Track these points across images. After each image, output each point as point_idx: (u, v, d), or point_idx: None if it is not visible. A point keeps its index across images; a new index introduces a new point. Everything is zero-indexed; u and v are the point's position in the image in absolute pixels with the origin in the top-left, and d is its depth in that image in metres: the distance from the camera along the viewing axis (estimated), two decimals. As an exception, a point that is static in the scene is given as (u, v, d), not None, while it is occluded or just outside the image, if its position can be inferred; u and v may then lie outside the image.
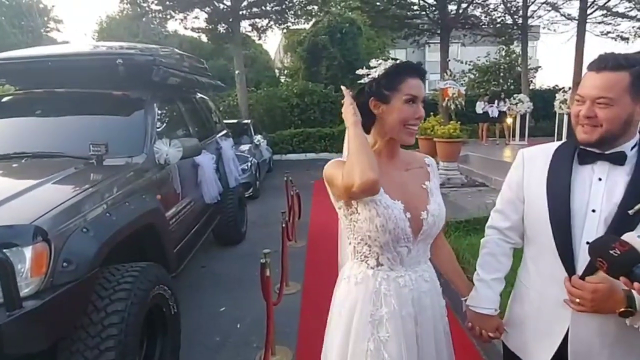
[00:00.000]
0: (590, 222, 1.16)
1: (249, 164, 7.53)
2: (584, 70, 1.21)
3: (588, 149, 1.19)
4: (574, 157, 1.22)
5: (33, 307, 1.71)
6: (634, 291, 1.03)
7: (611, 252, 0.96)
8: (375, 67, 1.24)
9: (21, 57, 3.42)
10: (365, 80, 1.25)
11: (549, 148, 1.30)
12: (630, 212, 1.10)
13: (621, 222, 1.10)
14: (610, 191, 1.15)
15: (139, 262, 2.34)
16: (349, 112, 1.22)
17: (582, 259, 1.14)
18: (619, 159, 1.16)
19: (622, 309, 1.06)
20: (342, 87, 1.29)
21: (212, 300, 3.62)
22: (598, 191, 1.16)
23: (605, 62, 1.11)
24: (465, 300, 1.39)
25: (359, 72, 1.27)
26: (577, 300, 1.11)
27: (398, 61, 1.24)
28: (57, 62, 3.27)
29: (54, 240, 1.84)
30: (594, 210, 1.16)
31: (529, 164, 1.31)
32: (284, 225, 3.69)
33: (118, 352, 1.90)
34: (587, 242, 1.13)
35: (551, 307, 1.23)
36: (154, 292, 2.25)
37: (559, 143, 1.31)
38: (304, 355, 2.71)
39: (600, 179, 1.17)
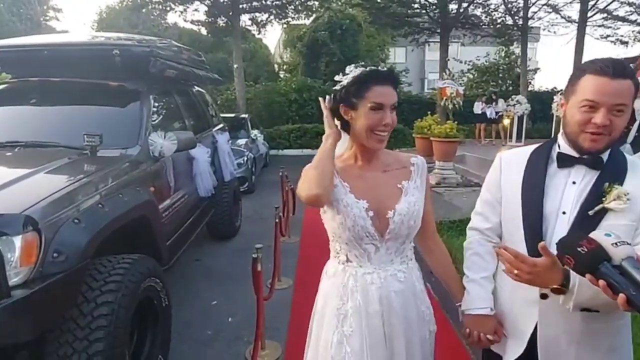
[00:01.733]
0: (560, 224, 1.18)
1: (245, 158, 7.51)
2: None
3: (568, 153, 1.21)
4: (549, 160, 1.24)
5: (21, 296, 1.70)
6: (572, 272, 1.04)
7: (579, 249, 0.97)
8: (348, 73, 1.27)
9: (17, 46, 3.40)
10: (337, 87, 1.28)
11: (525, 151, 1.32)
12: (590, 212, 1.13)
13: (582, 222, 1.13)
14: (581, 194, 1.17)
15: (131, 254, 2.33)
16: (325, 123, 1.30)
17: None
18: (596, 163, 1.18)
19: (555, 286, 1.08)
20: (320, 99, 1.35)
21: (204, 293, 3.62)
22: (570, 194, 1.19)
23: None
24: (460, 306, 1.37)
25: (336, 78, 1.30)
26: (515, 271, 1.11)
27: (368, 69, 1.26)
28: (53, 52, 3.25)
29: (44, 230, 1.83)
30: (564, 213, 1.18)
31: (507, 167, 1.33)
32: (277, 220, 3.69)
33: (107, 344, 1.90)
34: (557, 244, 1.14)
35: (520, 306, 1.26)
36: (145, 284, 2.25)
37: (535, 146, 1.32)
38: (293, 350, 2.72)
39: (574, 182, 1.19)
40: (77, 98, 3.26)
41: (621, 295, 0.90)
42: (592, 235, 0.99)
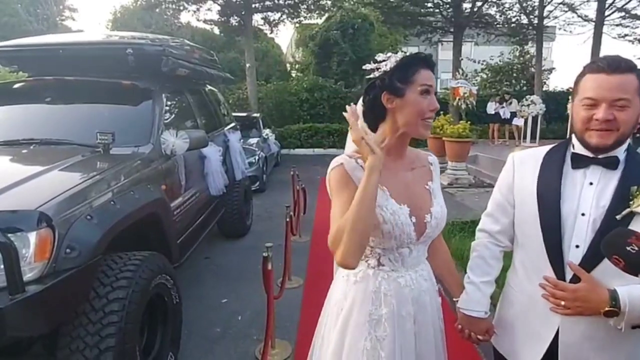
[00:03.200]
0: (580, 226, 1.15)
1: (257, 157, 7.54)
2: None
3: (581, 153, 1.19)
4: (564, 161, 1.22)
5: (35, 291, 1.73)
6: (619, 290, 1.02)
7: (628, 248, 0.92)
8: (384, 60, 1.20)
9: (33, 45, 3.46)
10: (375, 74, 1.20)
11: (539, 152, 1.30)
12: (618, 217, 1.10)
13: (609, 226, 1.10)
14: (600, 195, 1.15)
15: (142, 251, 2.36)
16: (364, 140, 1.09)
17: (572, 261, 1.14)
18: (612, 164, 1.16)
19: (607, 309, 1.06)
20: (347, 107, 1.19)
21: (214, 291, 3.63)
22: (588, 195, 1.16)
23: (618, 64, 1.09)
24: (457, 302, 1.39)
25: (367, 66, 1.23)
26: (562, 303, 1.11)
27: (407, 53, 1.20)
28: (68, 50, 3.30)
29: (58, 226, 1.86)
30: (583, 214, 1.15)
31: (520, 168, 1.31)
32: (288, 219, 3.69)
33: (118, 339, 1.92)
34: (577, 246, 1.13)
35: (540, 311, 1.22)
36: (156, 281, 2.27)
37: (550, 147, 1.30)
38: (303, 350, 2.70)
39: (591, 183, 1.17)
40: (90, 97, 3.30)
41: None
42: None
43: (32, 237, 1.77)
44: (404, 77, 1.17)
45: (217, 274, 4.02)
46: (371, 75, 1.21)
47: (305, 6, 14.96)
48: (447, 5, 15.09)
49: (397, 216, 1.17)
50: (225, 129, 5.05)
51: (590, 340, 1.17)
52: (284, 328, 2.97)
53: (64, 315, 1.93)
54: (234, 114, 6.73)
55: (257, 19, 15.09)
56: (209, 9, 14.87)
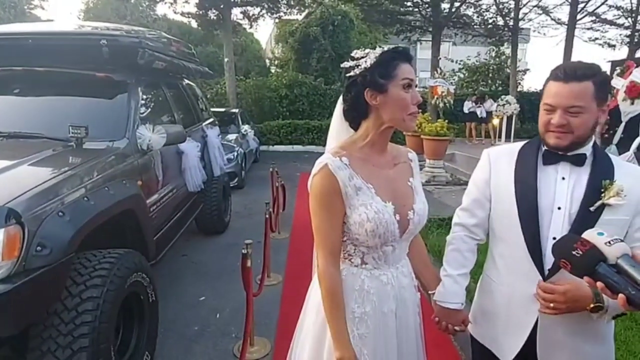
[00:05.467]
0: (557, 219, 1.22)
1: (235, 153, 7.45)
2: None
3: (552, 150, 1.25)
4: (538, 157, 1.28)
5: (3, 291, 1.66)
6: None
7: (573, 252, 0.97)
8: (362, 57, 1.19)
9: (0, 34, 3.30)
10: (356, 71, 1.19)
11: (513, 148, 1.36)
12: (592, 208, 1.17)
13: (584, 218, 1.18)
14: (573, 189, 1.22)
15: (117, 248, 2.29)
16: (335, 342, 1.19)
17: (550, 254, 1.19)
18: (579, 160, 1.23)
19: (593, 305, 1.11)
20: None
21: (192, 289, 3.58)
22: (562, 189, 1.24)
23: (573, 72, 1.17)
24: (433, 295, 1.41)
25: (345, 64, 1.22)
26: (552, 305, 1.16)
27: (385, 48, 1.20)
28: (38, 40, 3.16)
29: (27, 223, 1.79)
30: (559, 208, 1.22)
31: (495, 164, 1.36)
32: (267, 216, 3.67)
33: (92, 339, 1.87)
34: (554, 238, 1.19)
35: (521, 301, 1.28)
36: (132, 279, 2.22)
37: (522, 143, 1.36)
38: (282, 347, 2.69)
39: (563, 178, 1.24)
40: (62, 89, 3.18)
41: (620, 295, 0.91)
42: (585, 235, 1.00)
43: (0, 234, 1.70)
44: (386, 72, 1.16)
45: (195, 272, 3.96)
46: (351, 73, 1.20)
47: (285, 1, 14.84)
48: (426, 5, 15.28)
49: (382, 214, 1.17)
50: (204, 124, 4.97)
51: (565, 325, 1.23)
52: (263, 325, 2.95)
53: (34, 315, 1.86)
54: (212, 109, 6.63)
55: (236, 13, 14.86)
56: (186, 1, 14.53)
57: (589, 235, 1.00)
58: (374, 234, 1.18)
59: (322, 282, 1.20)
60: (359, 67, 1.19)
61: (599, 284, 0.95)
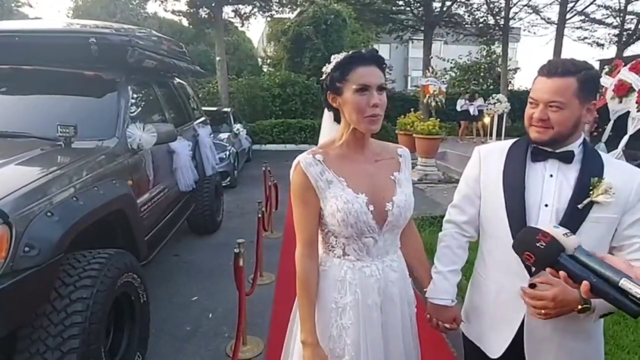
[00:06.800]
0: (544, 216, 1.22)
1: (228, 152, 7.42)
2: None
3: (540, 147, 1.26)
4: (527, 154, 1.29)
5: (-10, 292, 1.63)
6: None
7: (537, 244, 0.98)
8: (332, 61, 1.25)
9: (-14, 31, 3.24)
10: (324, 76, 1.27)
11: (503, 145, 1.37)
12: (580, 206, 1.18)
13: (572, 215, 1.18)
14: (561, 187, 1.22)
15: (107, 248, 2.27)
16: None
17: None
18: (567, 158, 1.24)
19: (580, 307, 1.11)
20: None
21: (184, 289, 3.56)
22: (550, 187, 1.24)
23: (556, 68, 1.17)
24: (426, 292, 1.42)
25: (323, 69, 1.28)
26: (543, 311, 1.15)
27: (350, 52, 1.24)
28: (25, 38, 3.11)
29: (15, 223, 1.76)
30: (546, 205, 1.23)
31: (486, 161, 1.37)
32: (259, 215, 3.66)
33: (82, 340, 1.85)
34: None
35: (508, 297, 1.28)
36: (122, 280, 2.20)
37: (513, 140, 1.37)
38: (275, 346, 2.70)
39: (551, 175, 1.25)
40: (50, 87, 3.14)
41: (584, 282, 0.92)
42: (544, 228, 1.00)
43: (-14, 235, 1.67)
44: (340, 76, 1.21)
45: (187, 272, 3.94)
46: (322, 77, 1.28)
47: (277, 0, 14.79)
48: (418, 4, 15.35)
49: (351, 204, 1.21)
50: (195, 123, 4.93)
51: (553, 322, 1.22)
52: (256, 324, 2.94)
53: (22, 317, 1.84)
54: (204, 108, 6.58)
55: (227, 11, 14.75)
56: (177, -1, 14.43)
57: (547, 228, 1.00)
58: (346, 224, 1.22)
59: (297, 269, 1.28)
60: (325, 71, 1.26)
61: (562, 273, 0.96)
